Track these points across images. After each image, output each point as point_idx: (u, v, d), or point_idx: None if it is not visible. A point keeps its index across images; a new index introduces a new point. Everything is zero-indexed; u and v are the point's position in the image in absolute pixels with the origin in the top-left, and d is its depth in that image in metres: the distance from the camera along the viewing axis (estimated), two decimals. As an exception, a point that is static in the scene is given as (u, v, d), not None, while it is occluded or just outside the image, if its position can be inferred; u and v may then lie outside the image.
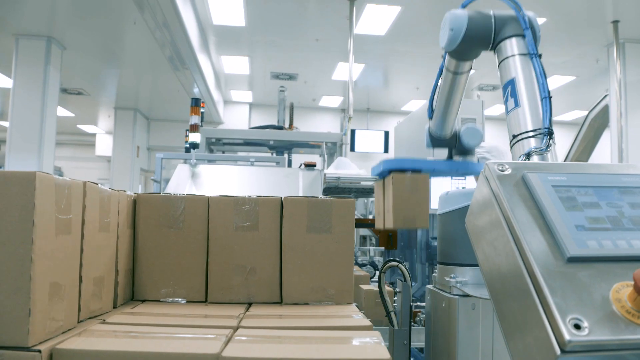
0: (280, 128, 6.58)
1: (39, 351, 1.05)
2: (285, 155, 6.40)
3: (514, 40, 1.46)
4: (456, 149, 2.02)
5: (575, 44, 9.62)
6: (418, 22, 8.79)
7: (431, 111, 1.96)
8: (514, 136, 1.39)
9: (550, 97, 1.35)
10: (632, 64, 8.94)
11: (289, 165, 6.47)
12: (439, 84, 1.85)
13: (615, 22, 8.50)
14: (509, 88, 1.43)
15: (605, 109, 9.18)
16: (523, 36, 1.45)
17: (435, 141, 2.02)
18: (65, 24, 8.63)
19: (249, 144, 6.25)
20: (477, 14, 1.54)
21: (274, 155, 6.39)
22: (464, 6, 1.59)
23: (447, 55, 1.72)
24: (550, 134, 1.31)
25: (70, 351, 1.07)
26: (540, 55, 1.43)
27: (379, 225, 2.00)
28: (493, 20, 1.51)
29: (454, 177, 4.81)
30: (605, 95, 9.22)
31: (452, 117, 1.92)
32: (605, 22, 8.50)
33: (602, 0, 7.83)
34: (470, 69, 1.77)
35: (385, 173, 1.92)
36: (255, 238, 1.68)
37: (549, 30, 8.88)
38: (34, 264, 1.06)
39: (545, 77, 1.40)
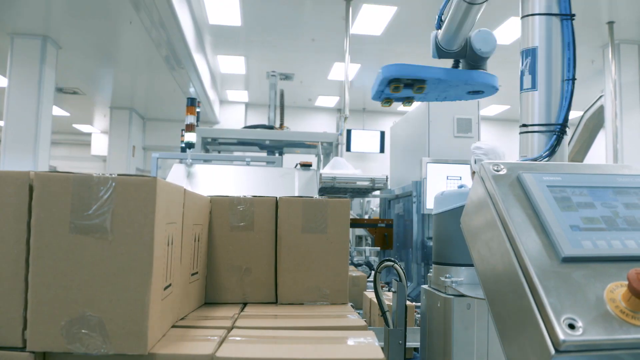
0: (271, 128, 6.57)
1: (33, 352, 1.05)
2: (278, 155, 6.40)
3: None
4: (466, 59, 1.81)
5: (570, 45, 9.64)
6: (414, 22, 8.81)
7: (440, 22, 1.77)
8: (524, 125, 1.28)
9: (574, 79, 1.21)
10: (627, 65, 8.98)
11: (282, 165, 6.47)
12: (450, 4, 1.69)
13: (611, 23, 8.53)
14: (529, 60, 1.27)
15: (601, 110, 9.22)
16: None
17: (443, 52, 1.82)
18: (60, 23, 8.60)
19: (242, 143, 6.24)
20: None
21: (267, 154, 6.39)
22: None
23: None
24: (562, 132, 1.20)
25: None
26: (573, 17, 1.24)
27: None
28: None
29: (449, 177, 4.82)
30: (601, 96, 9.26)
31: (463, 36, 1.74)
32: (600, 23, 8.54)
33: (597, 1, 7.85)
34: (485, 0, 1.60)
35: (384, 83, 1.77)
36: (250, 238, 1.67)
37: (544, 30, 8.90)
38: (33, 264, 1.05)
39: (574, 49, 1.23)
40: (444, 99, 2.08)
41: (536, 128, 1.23)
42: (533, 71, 1.24)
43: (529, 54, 1.27)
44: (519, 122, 1.31)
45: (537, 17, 1.26)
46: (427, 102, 5.02)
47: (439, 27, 1.82)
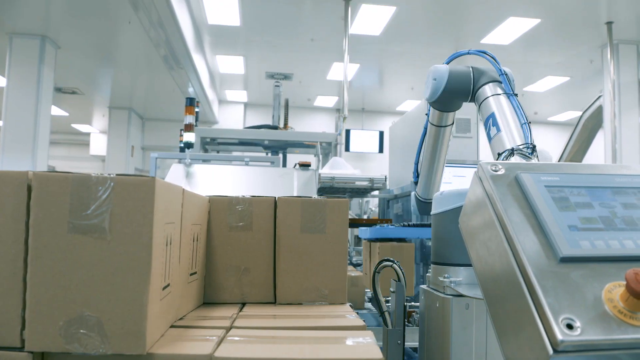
0: (275, 128, 6.57)
1: (31, 352, 1.04)
2: (280, 155, 6.40)
3: (491, 84, 1.58)
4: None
5: (569, 45, 9.67)
6: (413, 22, 8.81)
7: (417, 175, 2.00)
8: (499, 154, 1.47)
9: (529, 123, 1.45)
10: (626, 65, 9.00)
11: (284, 165, 6.46)
12: (424, 144, 1.96)
13: (609, 23, 8.54)
14: (490, 120, 1.52)
15: (599, 110, 9.23)
16: (499, 82, 1.57)
17: (423, 206, 2.04)
18: (59, 22, 8.60)
19: (243, 143, 6.24)
20: (457, 68, 1.70)
21: (269, 155, 6.38)
22: (447, 62, 1.74)
23: (430, 110, 1.84)
24: (533, 148, 1.39)
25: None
26: (516, 95, 1.54)
27: None
28: (472, 71, 1.66)
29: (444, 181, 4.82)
30: (600, 96, 9.27)
31: (439, 176, 1.97)
32: (599, 23, 8.55)
33: (596, 2, 7.86)
34: (453, 123, 1.90)
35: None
36: (249, 238, 1.67)
37: (543, 31, 8.93)
38: (31, 264, 1.05)
39: (522, 111, 1.50)
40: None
41: (510, 151, 1.42)
42: (495, 123, 1.51)
43: (490, 117, 1.54)
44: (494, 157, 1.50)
45: (489, 98, 1.57)
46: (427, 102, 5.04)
47: (416, 179, 2.03)
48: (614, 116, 8.74)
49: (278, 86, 7.27)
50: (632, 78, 8.99)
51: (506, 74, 1.60)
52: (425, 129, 1.93)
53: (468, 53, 1.74)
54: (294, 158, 6.96)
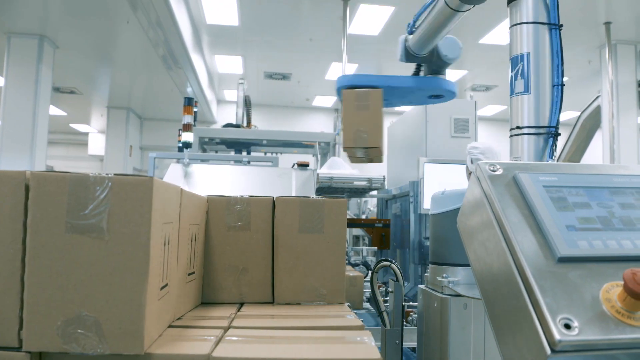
0: (238, 126, 6.55)
1: (29, 352, 1.04)
2: (244, 152, 6.31)
3: (531, 2, 1.32)
4: (430, 65, 1.88)
5: (567, 45, 9.53)
6: (412, 22, 8.80)
7: (412, 28, 1.85)
8: (517, 127, 1.32)
9: (563, 85, 1.27)
10: (624, 66, 9.00)
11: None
12: (429, 10, 1.75)
13: (608, 24, 8.55)
14: (520, 66, 1.31)
15: (598, 110, 9.24)
16: None
17: (411, 56, 1.90)
18: (57, 22, 8.59)
19: (237, 144, 6.22)
20: None
21: (269, 155, 6.37)
22: None
23: None
24: (556, 135, 1.25)
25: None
26: (561, 27, 1.29)
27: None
28: None
29: (439, 180, 4.82)
30: (598, 97, 9.28)
31: (435, 42, 1.82)
32: (597, 23, 8.55)
33: (594, 2, 7.87)
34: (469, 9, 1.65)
35: (339, 91, 1.83)
36: (247, 238, 1.67)
37: (541, 31, 8.91)
38: (29, 264, 1.05)
39: (562, 57, 1.29)
40: (408, 104, 2.12)
41: (527, 130, 1.26)
42: (525, 76, 1.28)
43: (520, 59, 1.31)
44: (510, 125, 1.34)
45: (525, 25, 1.31)
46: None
47: (410, 32, 1.86)
48: (612, 116, 8.74)
49: (242, 83, 7.22)
50: (631, 78, 9.00)
51: None
52: None
53: None
54: (292, 158, 6.94)
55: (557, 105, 1.24)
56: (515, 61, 1.32)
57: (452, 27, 1.74)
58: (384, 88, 1.76)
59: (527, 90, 1.28)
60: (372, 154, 1.85)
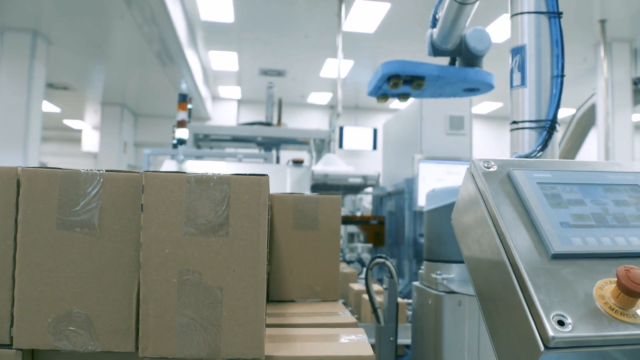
0: (269, 124, 6.55)
1: (20, 350, 1.04)
2: (274, 152, 6.38)
3: None
4: (461, 57, 1.83)
5: (562, 43, 9.69)
6: (407, 19, 8.81)
7: (434, 20, 1.80)
8: (514, 122, 1.31)
9: (562, 76, 1.24)
10: (619, 63, 9.03)
11: (277, 162, 6.44)
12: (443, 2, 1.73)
13: (603, 22, 8.57)
14: (518, 57, 1.29)
15: (593, 108, 9.27)
16: None
17: (438, 51, 1.85)
18: (51, 18, 8.54)
19: (236, 140, 6.22)
20: None
21: (262, 152, 6.37)
22: None
23: None
24: (552, 128, 1.22)
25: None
26: (561, 14, 1.26)
27: None
28: None
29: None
30: (593, 94, 9.31)
31: (457, 34, 1.76)
32: (592, 21, 8.58)
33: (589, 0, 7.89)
34: (476, 1, 1.63)
35: (383, 79, 1.76)
36: (241, 235, 1.66)
37: (536, 28, 8.93)
38: (19, 261, 1.04)
39: (562, 47, 1.25)
40: (439, 96, 2.09)
41: (527, 124, 1.25)
42: (522, 68, 1.26)
43: (518, 51, 1.29)
44: (510, 119, 1.33)
45: (525, 15, 1.28)
46: (421, 98, 5.04)
47: (433, 25, 1.82)
48: (607, 114, 8.77)
49: (271, 87, 7.25)
50: (625, 76, 9.04)
51: None
52: None
53: None
54: (287, 155, 6.93)
55: (556, 97, 1.21)
56: (513, 53, 1.31)
57: (466, 20, 1.70)
58: (427, 76, 1.73)
59: (523, 84, 1.27)
60: None
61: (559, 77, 1.22)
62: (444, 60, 1.95)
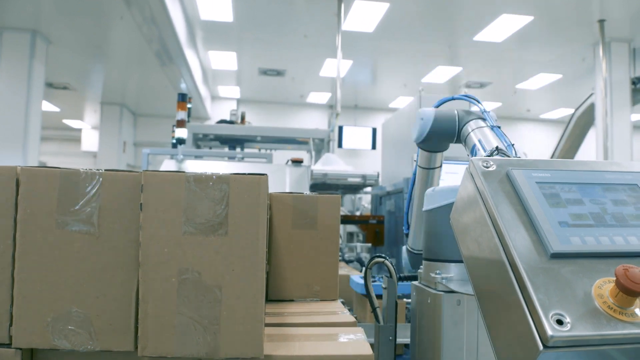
0: (232, 123, 6.55)
1: (20, 349, 1.04)
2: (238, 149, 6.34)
3: (475, 120, 1.61)
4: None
5: (561, 43, 9.70)
6: (406, 19, 8.81)
7: (407, 226, 1.96)
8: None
9: (513, 145, 1.43)
10: (618, 63, 9.04)
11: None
12: (413, 192, 1.94)
13: (602, 21, 8.57)
14: (475, 147, 1.51)
15: (591, 108, 9.28)
16: (483, 118, 1.59)
17: (416, 258, 2.00)
18: (50, 17, 8.53)
19: (232, 140, 6.21)
20: (443, 109, 1.73)
21: (262, 152, 6.37)
22: (435, 107, 1.76)
23: (419, 153, 1.85)
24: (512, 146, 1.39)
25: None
26: (499, 128, 1.54)
27: None
28: (457, 112, 1.69)
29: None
30: (592, 94, 9.32)
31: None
32: (591, 21, 8.58)
33: (588, 0, 7.89)
34: (441, 165, 1.88)
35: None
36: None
37: (535, 28, 8.94)
38: (19, 260, 1.04)
39: (507, 137, 1.49)
40: None
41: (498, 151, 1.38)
42: (482, 146, 1.47)
43: (476, 145, 1.52)
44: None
45: (475, 130, 1.56)
46: (420, 97, 5.05)
47: (406, 231, 1.99)
48: (606, 114, 8.78)
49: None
50: (624, 76, 9.04)
51: (488, 112, 1.64)
52: (415, 176, 1.94)
53: (453, 99, 1.77)
54: (285, 154, 6.94)
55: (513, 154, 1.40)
56: (472, 151, 1.50)
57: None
58: None
59: (485, 150, 1.46)
60: None
61: (510, 145, 1.40)
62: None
